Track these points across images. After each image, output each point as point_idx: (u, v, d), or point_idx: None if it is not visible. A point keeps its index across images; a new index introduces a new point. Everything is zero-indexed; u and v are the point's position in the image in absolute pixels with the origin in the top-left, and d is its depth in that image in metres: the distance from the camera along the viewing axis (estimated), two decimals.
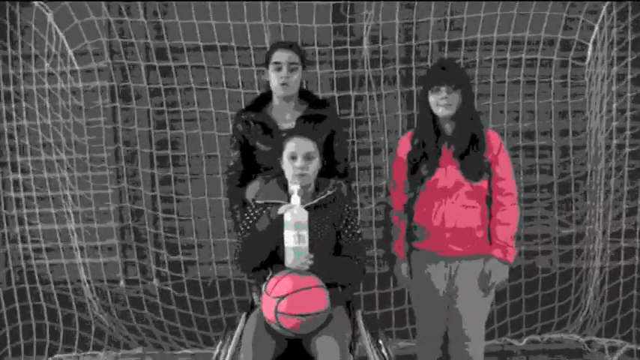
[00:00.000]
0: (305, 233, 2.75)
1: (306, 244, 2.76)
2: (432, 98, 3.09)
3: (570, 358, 4.50)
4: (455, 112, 3.10)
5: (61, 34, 4.20)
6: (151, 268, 4.65)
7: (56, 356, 4.43)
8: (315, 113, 3.35)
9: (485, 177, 3.14)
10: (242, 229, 3.02)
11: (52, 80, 4.36)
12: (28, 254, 4.53)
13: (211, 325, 4.52)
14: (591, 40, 4.34)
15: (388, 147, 4.54)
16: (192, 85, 4.44)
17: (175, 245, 4.61)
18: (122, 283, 4.67)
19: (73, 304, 4.51)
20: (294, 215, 2.74)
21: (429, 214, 3.15)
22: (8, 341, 4.27)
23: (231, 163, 3.42)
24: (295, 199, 2.80)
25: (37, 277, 4.50)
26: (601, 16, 4.28)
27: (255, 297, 3.10)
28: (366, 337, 3.02)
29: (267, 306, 2.73)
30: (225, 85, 4.47)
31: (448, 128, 3.15)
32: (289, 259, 2.77)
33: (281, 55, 3.26)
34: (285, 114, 3.34)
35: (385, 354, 2.99)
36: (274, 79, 3.28)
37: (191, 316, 4.56)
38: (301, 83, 3.37)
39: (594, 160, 4.42)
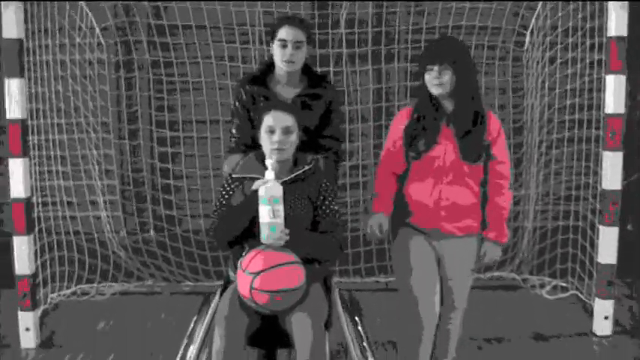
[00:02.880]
0: (280, 208, 2.67)
1: (281, 220, 2.68)
2: (426, 77, 3.00)
3: (508, 291, 5.18)
4: (451, 91, 3.00)
5: (90, 13, 4.81)
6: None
7: (80, 286, 5.01)
8: (312, 92, 3.31)
9: (482, 159, 3.07)
10: (218, 203, 2.93)
11: (78, 52, 4.92)
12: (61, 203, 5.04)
13: (211, 260, 5.17)
14: (529, 29, 5.04)
15: (361, 115, 5.25)
16: (200, 58, 5.09)
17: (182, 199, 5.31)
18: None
19: (97, 242, 5.09)
20: (268, 190, 2.65)
21: (424, 191, 3.07)
22: (49, 269, 4.79)
23: (234, 131, 3.39)
24: (269, 174, 2.70)
25: (69, 222, 5.03)
26: (537, 9, 4.94)
27: (230, 273, 3.02)
28: (342, 315, 3.02)
29: (242, 282, 2.65)
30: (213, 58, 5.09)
31: (448, 106, 3.06)
32: (264, 235, 2.68)
33: (287, 33, 3.16)
34: (287, 89, 3.31)
35: (362, 331, 2.96)
36: (279, 55, 3.20)
37: (194, 253, 5.20)
38: (305, 59, 3.31)
39: (529, 130, 5.12)
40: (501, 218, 3.12)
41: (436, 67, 2.96)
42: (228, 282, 3.05)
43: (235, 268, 2.83)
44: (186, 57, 5.12)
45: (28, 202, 4.19)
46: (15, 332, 4.31)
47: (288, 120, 2.85)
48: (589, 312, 4.61)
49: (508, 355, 4.14)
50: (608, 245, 4.37)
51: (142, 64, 5.21)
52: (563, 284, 5.10)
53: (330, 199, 2.92)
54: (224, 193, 2.93)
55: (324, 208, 2.91)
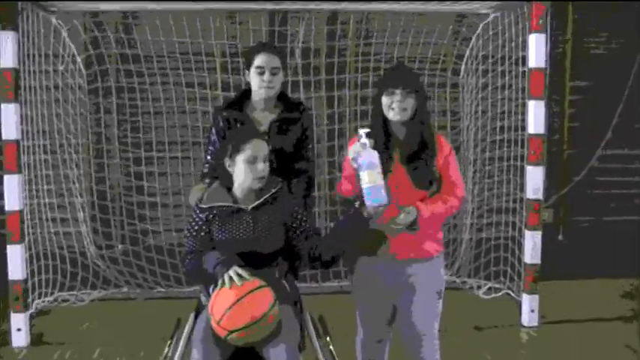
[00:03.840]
0: (379, 171, 2.74)
1: (382, 182, 2.75)
2: (385, 100, 2.92)
3: (449, 292, 5.50)
4: (408, 119, 2.95)
5: (72, 45, 5.31)
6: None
7: (60, 293, 5.33)
8: (288, 117, 3.34)
9: (434, 186, 3.02)
10: (187, 233, 2.95)
11: (61, 78, 5.36)
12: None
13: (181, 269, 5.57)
14: (464, 60, 5.72)
15: (316, 137, 5.68)
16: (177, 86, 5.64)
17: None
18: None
19: (77, 252, 5.46)
20: (366, 157, 2.74)
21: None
22: (36, 277, 5.10)
23: (208, 157, 3.41)
24: (365, 140, 2.77)
25: (54, 237, 5.37)
26: (472, 42, 5.65)
27: (202, 298, 3.04)
28: (314, 337, 3.04)
29: (219, 330, 2.66)
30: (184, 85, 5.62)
31: (399, 133, 3.01)
32: (368, 198, 2.74)
33: (264, 60, 3.21)
34: (263, 115, 3.33)
35: (334, 352, 2.97)
36: (256, 82, 3.23)
37: (166, 261, 5.65)
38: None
39: (465, 149, 5.71)
40: (438, 206, 2.99)
41: (398, 91, 2.90)
42: (200, 306, 3.08)
43: (207, 293, 2.92)
44: (159, 83, 5.63)
45: (21, 214, 4.68)
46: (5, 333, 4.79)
47: (266, 148, 2.92)
48: (519, 308, 5.20)
49: (450, 342, 4.62)
50: (533, 247, 5.04)
51: (118, 90, 5.71)
52: (497, 285, 5.58)
53: (304, 220, 2.99)
54: (193, 224, 2.95)
55: (301, 229, 2.97)
